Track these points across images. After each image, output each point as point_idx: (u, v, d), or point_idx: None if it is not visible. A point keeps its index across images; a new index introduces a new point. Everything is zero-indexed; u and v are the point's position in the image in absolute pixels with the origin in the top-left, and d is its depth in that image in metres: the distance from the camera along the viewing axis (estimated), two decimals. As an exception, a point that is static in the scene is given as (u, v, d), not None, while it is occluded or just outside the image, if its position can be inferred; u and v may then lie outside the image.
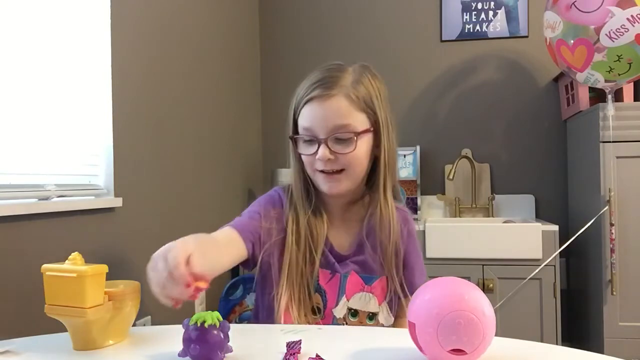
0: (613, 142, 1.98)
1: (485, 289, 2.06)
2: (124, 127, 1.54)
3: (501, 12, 2.59)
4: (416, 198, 2.57)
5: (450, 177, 2.42)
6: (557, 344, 1.66)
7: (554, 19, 1.95)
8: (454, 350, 0.63)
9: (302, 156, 1.01)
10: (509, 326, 2.02)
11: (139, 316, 0.94)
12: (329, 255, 1.03)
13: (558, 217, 2.44)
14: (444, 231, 2.15)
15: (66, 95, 1.36)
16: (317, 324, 0.99)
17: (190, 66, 2.01)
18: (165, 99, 1.80)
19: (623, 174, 1.98)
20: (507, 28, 2.58)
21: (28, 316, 1.08)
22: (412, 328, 0.67)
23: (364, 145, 0.98)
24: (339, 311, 1.02)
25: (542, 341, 2.01)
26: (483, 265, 2.10)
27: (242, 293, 1.32)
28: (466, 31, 2.62)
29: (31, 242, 1.18)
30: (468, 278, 1.99)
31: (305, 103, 0.98)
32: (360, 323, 1.03)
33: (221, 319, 0.70)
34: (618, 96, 2.10)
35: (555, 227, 2.07)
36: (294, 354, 0.70)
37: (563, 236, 2.12)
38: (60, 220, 1.28)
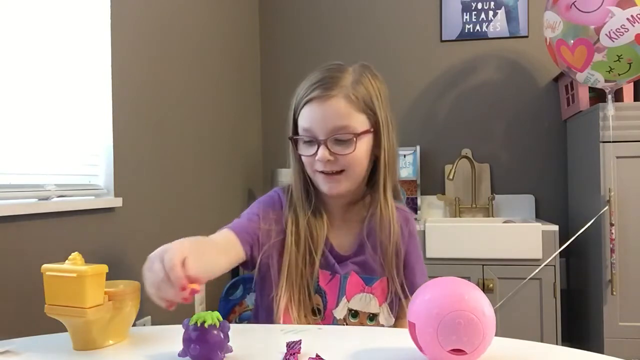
0: (613, 142, 1.98)
1: (485, 289, 2.06)
2: (124, 127, 1.54)
3: (501, 12, 2.59)
4: (416, 198, 2.57)
5: (450, 177, 2.42)
6: (557, 344, 1.66)
7: (554, 19, 1.95)
8: (454, 350, 0.63)
9: (302, 157, 1.01)
10: (509, 326, 2.02)
11: (139, 316, 0.94)
12: (329, 256, 1.02)
13: (558, 217, 2.44)
14: (444, 231, 2.16)
15: (66, 95, 1.36)
16: (317, 324, 0.99)
17: (190, 66, 2.01)
18: (165, 99, 1.80)
19: (623, 174, 1.98)
20: (507, 28, 2.58)
21: (28, 316, 1.08)
22: (412, 328, 0.67)
23: (363, 146, 0.98)
24: (339, 312, 1.01)
25: (542, 341, 2.01)
26: (483, 265, 2.10)
27: (242, 293, 1.32)
28: (466, 31, 2.62)
29: (31, 242, 1.18)
30: (468, 278, 1.99)
31: (305, 104, 0.97)
32: (361, 324, 1.02)
33: (221, 319, 0.70)
34: (618, 96, 2.10)
35: (555, 227, 2.08)
36: (294, 354, 0.70)
37: (563, 236, 2.12)
38: (60, 220, 1.28)
